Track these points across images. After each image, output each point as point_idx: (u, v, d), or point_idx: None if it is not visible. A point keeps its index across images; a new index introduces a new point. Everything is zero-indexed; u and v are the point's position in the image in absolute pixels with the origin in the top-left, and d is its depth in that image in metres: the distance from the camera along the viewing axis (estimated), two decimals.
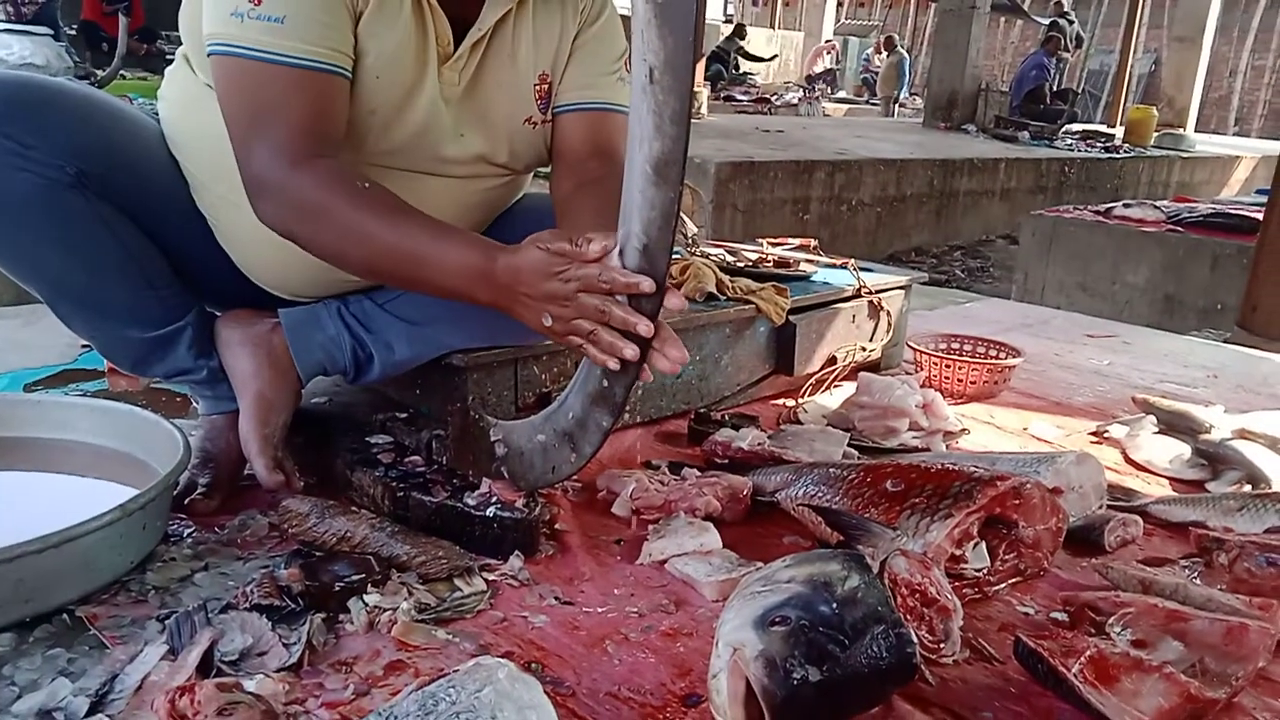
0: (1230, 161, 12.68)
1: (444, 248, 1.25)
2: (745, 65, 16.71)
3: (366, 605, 1.19)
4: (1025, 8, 17.45)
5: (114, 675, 1.04)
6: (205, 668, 1.04)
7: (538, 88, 1.50)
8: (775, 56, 16.97)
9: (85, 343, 1.86)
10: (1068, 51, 14.18)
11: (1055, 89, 13.16)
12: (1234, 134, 19.66)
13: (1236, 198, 8.08)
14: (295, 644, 1.09)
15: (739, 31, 17.18)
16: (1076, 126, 12.77)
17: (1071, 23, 14.39)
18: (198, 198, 1.48)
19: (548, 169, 1.60)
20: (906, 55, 17.97)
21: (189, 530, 1.37)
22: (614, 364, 1.23)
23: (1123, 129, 12.44)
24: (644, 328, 1.19)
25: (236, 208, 1.44)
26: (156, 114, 1.51)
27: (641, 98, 1.10)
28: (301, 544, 1.32)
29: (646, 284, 1.17)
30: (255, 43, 1.24)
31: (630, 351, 1.20)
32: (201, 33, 1.30)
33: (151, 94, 1.64)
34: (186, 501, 1.41)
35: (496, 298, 1.25)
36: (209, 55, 1.29)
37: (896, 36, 18.11)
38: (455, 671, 0.93)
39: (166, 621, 1.11)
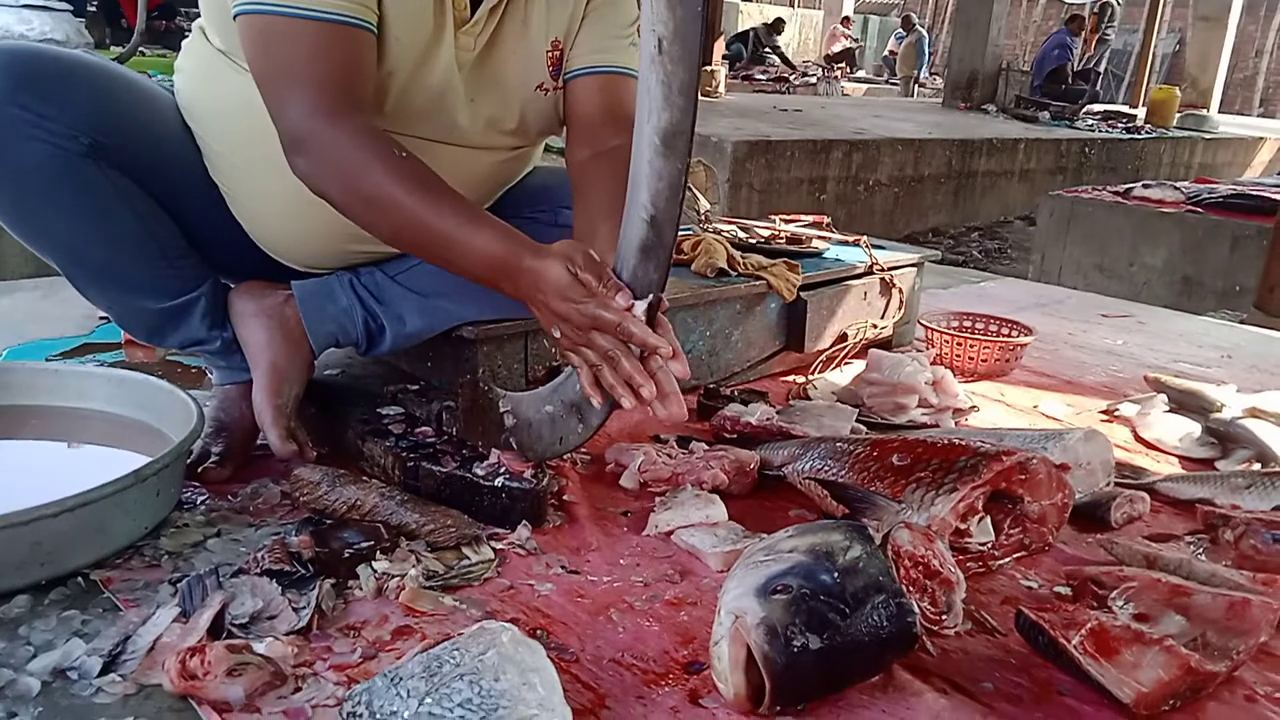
0: (1254, 143, 12.53)
1: (473, 235, 1.25)
2: (770, 45, 16.55)
3: (375, 572, 1.20)
4: None
5: (127, 636, 1.06)
6: (216, 630, 1.05)
7: (550, 54, 1.50)
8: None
9: (103, 315, 1.88)
10: (1112, 29, 14.00)
11: (1077, 69, 13.03)
12: (1259, 115, 19.45)
13: (1259, 179, 8.00)
14: (304, 608, 1.11)
15: (777, 26, 16.91)
16: (1098, 107, 12.64)
17: (1121, 4, 14.21)
18: (212, 169, 1.49)
19: (559, 144, 1.61)
20: (926, 34, 17.80)
21: (202, 497, 1.39)
22: (598, 401, 1.26)
23: (1145, 110, 12.31)
24: (647, 392, 1.20)
25: (251, 178, 1.45)
26: (173, 88, 1.52)
27: (650, 69, 1.10)
28: (312, 512, 1.34)
29: (665, 351, 1.18)
30: None
31: (628, 402, 1.22)
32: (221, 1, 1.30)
33: (170, 70, 1.65)
34: (200, 470, 1.43)
35: (516, 294, 1.26)
36: (235, 18, 1.28)
37: (915, 15, 17.93)
38: (460, 635, 0.95)
39: (179, 585, 1.13)
